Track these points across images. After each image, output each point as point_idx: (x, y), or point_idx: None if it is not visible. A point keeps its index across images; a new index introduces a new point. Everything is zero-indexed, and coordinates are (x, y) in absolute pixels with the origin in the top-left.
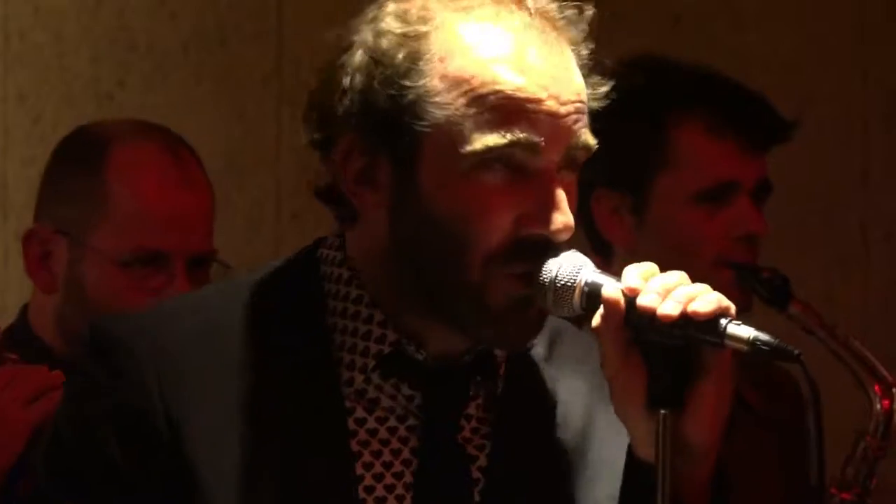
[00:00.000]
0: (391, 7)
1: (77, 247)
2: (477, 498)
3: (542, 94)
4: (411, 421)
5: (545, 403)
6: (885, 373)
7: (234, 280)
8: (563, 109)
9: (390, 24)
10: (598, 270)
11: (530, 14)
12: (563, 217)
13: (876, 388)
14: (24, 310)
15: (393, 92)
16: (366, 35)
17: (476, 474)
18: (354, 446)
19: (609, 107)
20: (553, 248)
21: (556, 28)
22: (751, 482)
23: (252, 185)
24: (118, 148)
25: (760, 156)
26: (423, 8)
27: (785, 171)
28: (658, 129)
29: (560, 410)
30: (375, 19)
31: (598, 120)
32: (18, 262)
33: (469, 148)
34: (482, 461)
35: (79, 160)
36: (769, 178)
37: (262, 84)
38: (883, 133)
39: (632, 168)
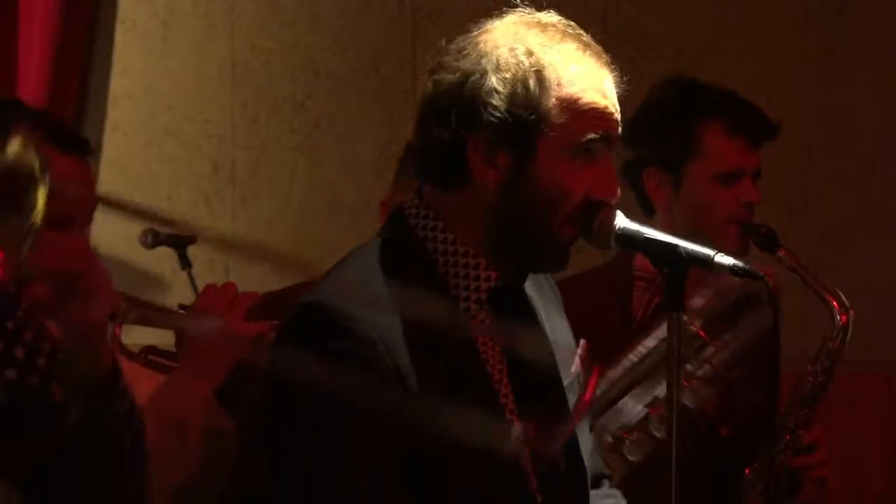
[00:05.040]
0: (503, 50)
1: None
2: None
3: (613, 109)
4: (490, 323)
5: (536, 308)
6: (842, 296)
7: (363, 256)
8: (617, 117)
9: (513, 61)
10: (628, 220)
11: (596, 54)
12: (617, 189)
13: (835, 306)
14: None
15: (526, 108)
16: (489, 68)
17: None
18: (482, 354)
19: (656, 112)
20: (607, 206)
21: (606, 62)
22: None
23: None
24: None
25: (758, 150)
26: (530, 52)
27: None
28: (691, 128)
29: (539, 312)
30: (498, 58)
31: (649, 121)
32: (246, 219)
33: (578, 140)
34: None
35: None
36: (760, 166)
37: (403, 98)
38: (820, 128)
39: (672, 155)
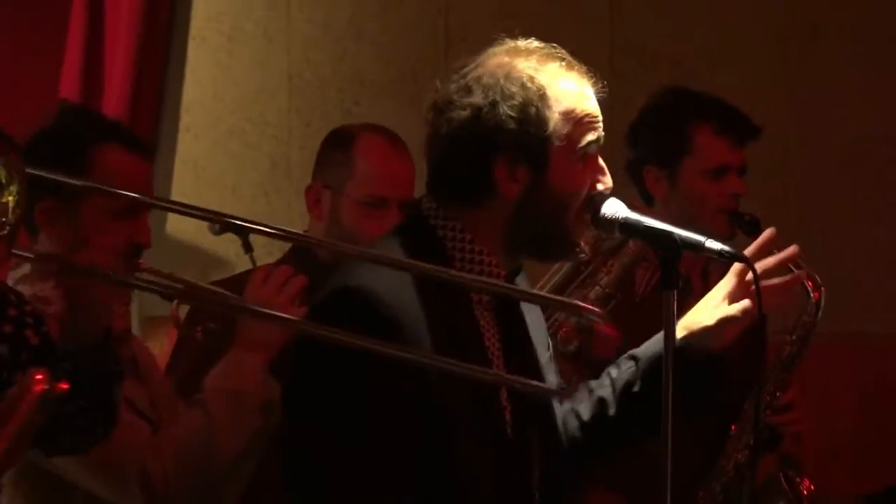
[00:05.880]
0: (504, 81)
1: (336, 195)
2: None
3: (598, 112)
4: (492, 308)
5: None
6: (816, 276)
7: (386, 248)
8: (601, 118)
9: (518, 89)
10: (630, 209)
11: (577, 67)
12: (609, 179)
13: (810, 285)
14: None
15: (537, 127)
16: (498, 98)
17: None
18: (486, 341)
19: (654, 117)
20: (606, 197)
21: (585, 72)
22: None
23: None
24: (361, 136)
25: (742, 148)
26: (531, 78)
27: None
28: (684, 130)
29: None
30: (502, 89)
31: (648, 125)
32: (300, 209)
33: (580, 145)
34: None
35: (337, 144)
36: (745, 162)
37: None
38: (798, 129)
39: (667, 154)
